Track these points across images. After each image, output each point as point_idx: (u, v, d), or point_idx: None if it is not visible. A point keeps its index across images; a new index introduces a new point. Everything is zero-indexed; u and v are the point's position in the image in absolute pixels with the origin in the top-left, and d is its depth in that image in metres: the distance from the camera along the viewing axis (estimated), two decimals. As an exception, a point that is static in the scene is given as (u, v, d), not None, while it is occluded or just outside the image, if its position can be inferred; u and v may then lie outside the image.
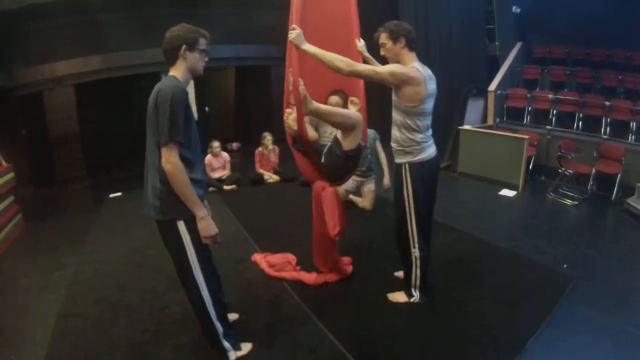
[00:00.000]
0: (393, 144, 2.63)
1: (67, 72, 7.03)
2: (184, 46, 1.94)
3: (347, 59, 2.39)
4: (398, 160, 2.63)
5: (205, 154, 6.15)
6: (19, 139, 7.00)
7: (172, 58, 1.98)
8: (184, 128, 1.86)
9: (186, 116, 1.89)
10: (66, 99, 7.18)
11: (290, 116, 2.74)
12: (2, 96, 6.57)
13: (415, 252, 2.68)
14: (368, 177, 4.71)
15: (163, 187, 1.92)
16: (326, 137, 3.31)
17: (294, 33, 2.46)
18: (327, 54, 2.40)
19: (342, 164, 2.80)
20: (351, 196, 4.91)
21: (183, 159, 1.88)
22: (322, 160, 2.88)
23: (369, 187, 4.73)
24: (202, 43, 2.01)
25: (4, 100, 6.66)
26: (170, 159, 1.83)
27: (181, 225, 1.97)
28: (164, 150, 1.84)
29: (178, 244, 2.00)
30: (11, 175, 4.98)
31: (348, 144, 2.70)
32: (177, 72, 1.98)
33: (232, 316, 2.67)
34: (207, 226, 1.98)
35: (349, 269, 3.24)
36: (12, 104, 6.89)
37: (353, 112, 2.79)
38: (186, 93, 1.90)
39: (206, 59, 2.07)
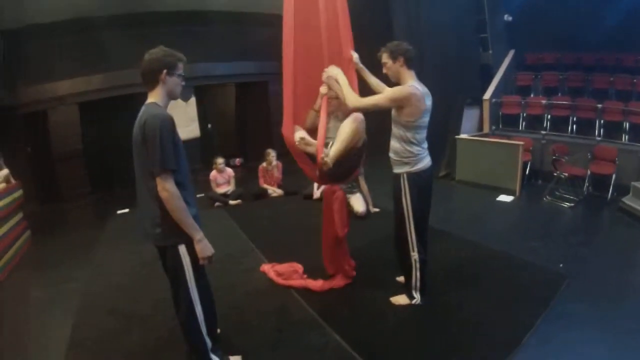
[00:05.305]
0: (392, 155, 2.81)
1: (70, 91, 7.19)
2: (164, 70, 1.96)
3: (357, 98, 2.76)
4: (396, 170, 2.81)
5: (210, 170, 6.28)
6: (24, 156, 7.12)
7: (151, 82, 1.99)
8: (174, 154, 1.91)
9: (174, 143, 1.93)
10: (70, 117, 7.33)
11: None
12: (6, 114, 6.69)
13: (415, 255, 2.83)
14: (353, 193, 4.84)
15: (162, 213, 1.96)
16: (329, 135, 3.35)
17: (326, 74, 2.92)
18: (346, 88, 2.79)
19: (355, 158, 3.02)
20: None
21: (176, 183, 1.93)
22: None
23: (355, 195, 4.86)
24: (180, 67, 2.03)
25: (8, 118, 6.78)
26: (166, 187, 1.88)
27: (182, 249, 2.03)
28: (158, 180, 1.89)
29: (178, 266, 2.05)
30: (20, 192, 5.10)
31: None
32: (157, 97, 2.00)
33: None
34: (205, 248, 2.03)
35: (353, 273, 3.36)
36: (16, 122, 7.03)
37: (354, 124, 2.86)
38: (172, 120, 1.93)
39: (183, 83, 2.08)
